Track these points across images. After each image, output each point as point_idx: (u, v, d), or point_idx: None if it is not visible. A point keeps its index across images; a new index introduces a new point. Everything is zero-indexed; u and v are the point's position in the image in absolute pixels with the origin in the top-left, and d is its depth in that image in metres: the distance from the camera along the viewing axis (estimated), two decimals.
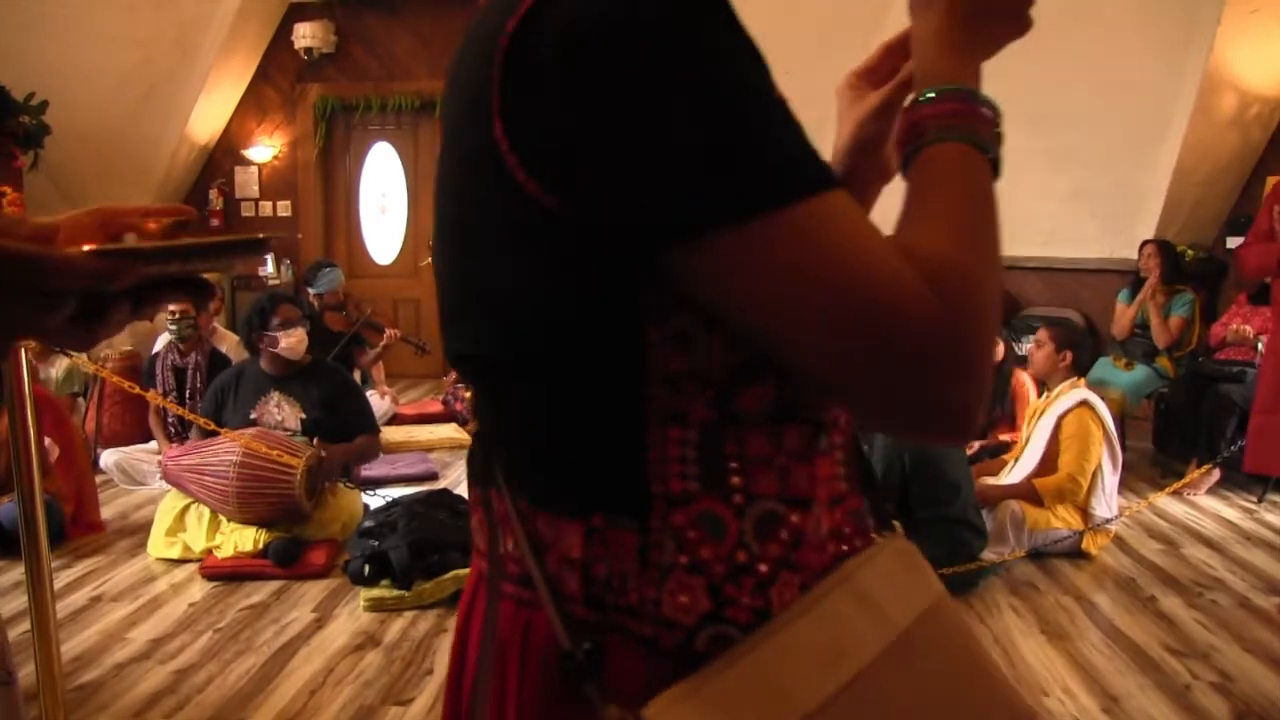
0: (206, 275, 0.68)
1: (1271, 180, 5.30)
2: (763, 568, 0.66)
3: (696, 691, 0.62)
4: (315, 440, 3.81)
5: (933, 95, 0.68)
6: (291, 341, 3.89)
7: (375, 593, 3.20)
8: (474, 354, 0.72)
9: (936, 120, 0.67)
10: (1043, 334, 3.95)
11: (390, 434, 5.25)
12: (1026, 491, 3.68)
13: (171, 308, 4.75)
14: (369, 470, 4.41)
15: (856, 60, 0.83)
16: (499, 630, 0.72)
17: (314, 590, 3.37)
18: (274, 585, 3.41)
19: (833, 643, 0.65)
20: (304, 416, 3.88)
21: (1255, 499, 4.41)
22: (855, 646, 0.66)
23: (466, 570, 2.66)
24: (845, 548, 0.70)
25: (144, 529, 3.91)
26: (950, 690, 0.69)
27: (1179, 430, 4.76)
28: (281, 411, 3.89)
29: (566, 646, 0.66)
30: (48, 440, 3.85)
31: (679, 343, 0.64)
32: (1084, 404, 3.73)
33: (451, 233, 0.71)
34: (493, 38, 0.62)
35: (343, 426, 3.95)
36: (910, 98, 0.70)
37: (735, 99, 0.58)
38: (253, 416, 3.88)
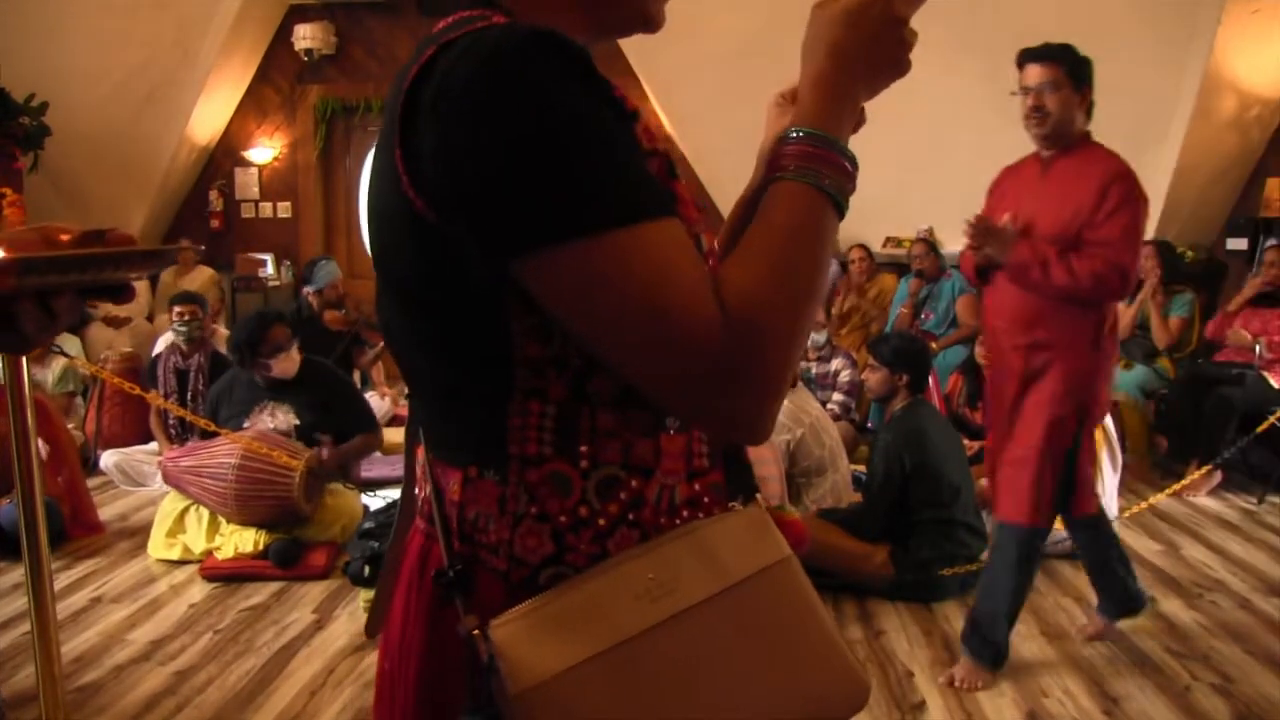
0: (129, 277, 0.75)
1: (1271, 181, 5.30)
2: (602, 522, 0.77)
3: (537, 611, 0.74)
4: (322, 437, 3.81)
5: (796, 136, 0.77)
6: (285, 365, 3.89)
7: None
8: (387, 322, 0.85)
9: (793, 159, 0.76)
10: None
11: (391, 435, 5.24)
12: None
13: (179, 309, 4.75)
14: (369, 471, 4.41)
15: None
16: (409, 556, 0.88)
17: (314, 591, 3.37)
18: (274, 587, 3.41)
19: (663, 581, 0.76)
20: (297, 422, 3.87)
21: (1255, 500, 4.41)
22: (685, 587, 0.76)
23: None
24: (701, 515, 0.81)
25: (144, 530, 3.92)
26: (774, 638, 0.79)
27: (1179, 432, 4.76)
28: (275, 419, 3.89)
29: (444, 567, 0.80)
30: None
31: (538, 334, 0.75)
32: None
33: (371, 222, 0.82)
34: (405, 76, 0.74)
35: (339, 427, 3.94)
36: (781, 133, 0.79)
37: (567, 142, 0.68)
38: (246, 424, 3.88)
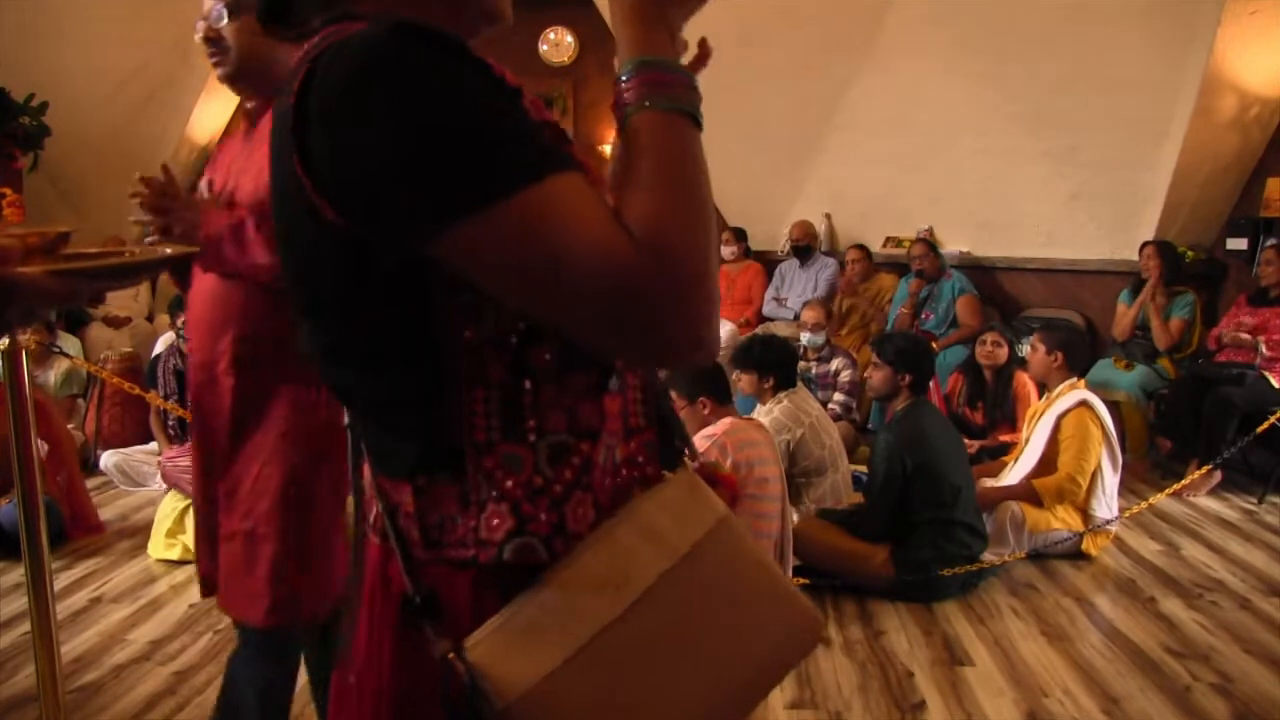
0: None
1: (1271, 181, 5.30)
2: (557, 489, 0.80)
3: (509, 622, 0.77)
4: None
5: (628, 72, 0.78)
6: None
7: None
8: (311, 351, 0.85)
9: (633, 94, 0.77)
10: (1035, 338, 4.04)
11: None
12: (1025, 492, 3.68)
13: (183, 319, 4.74)
14: None
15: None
16: (368, 568, 0.87)
17: None
18: None
19: (619, 570, 0.79)
20: None
21: (1255, 500, 4.41)
22: (639, 571, 0.80)
23: None
24: (638, 474, 0.85)
25: (144, 530, 3.92)
26: (729, 597, 0.84)
27: (1179, 432, 4.76)
28: None
29: (410, 592, 0.80)
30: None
31: (469, 314, 0.76)
32: (1083, 404, 3.74)
33: (282, 244, 0.83)
34: (288, 94, 0.75)
35: None
36: (617, 76, 0.79)
37: (457, 115, 0.70)
38: None
